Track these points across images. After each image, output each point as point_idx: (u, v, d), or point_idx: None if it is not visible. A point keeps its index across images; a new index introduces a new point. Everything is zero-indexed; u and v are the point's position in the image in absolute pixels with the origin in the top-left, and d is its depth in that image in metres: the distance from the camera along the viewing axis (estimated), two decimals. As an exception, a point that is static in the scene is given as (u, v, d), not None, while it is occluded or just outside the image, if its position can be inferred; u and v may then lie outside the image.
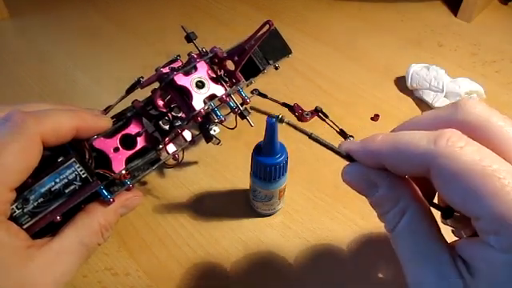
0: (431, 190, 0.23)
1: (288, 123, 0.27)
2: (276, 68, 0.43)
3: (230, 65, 0.39)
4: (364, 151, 0.23)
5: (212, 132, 0.38)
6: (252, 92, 0.49)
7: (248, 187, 0.44)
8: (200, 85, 0.35)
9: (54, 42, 0.67)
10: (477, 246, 0.20)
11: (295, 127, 0.26)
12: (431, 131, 0.20)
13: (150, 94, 0.37)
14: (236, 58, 0.36)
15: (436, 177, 0.20)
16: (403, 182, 0.23)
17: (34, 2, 0.76)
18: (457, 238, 0.23)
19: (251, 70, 0.41)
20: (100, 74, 0.61)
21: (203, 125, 0.39)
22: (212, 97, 0.35)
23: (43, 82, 0.60)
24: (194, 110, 0.33)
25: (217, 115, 0.37)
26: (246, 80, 0.40)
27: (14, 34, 0.70)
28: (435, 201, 0.25)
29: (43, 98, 0.57)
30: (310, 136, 0.25)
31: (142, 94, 0.37)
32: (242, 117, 0.38)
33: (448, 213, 0.24)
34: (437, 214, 0.24)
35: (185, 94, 0.34)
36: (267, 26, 0.33)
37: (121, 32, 0.70)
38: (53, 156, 0.31)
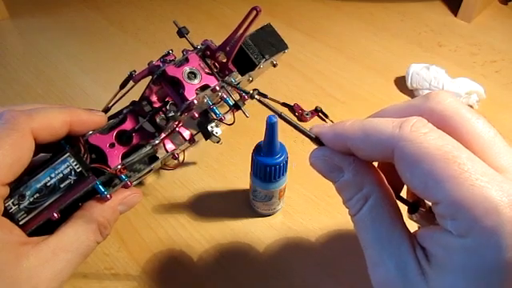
0: (399, 183, 0.24)
1: (259, 100, 0.26)
2: (274, 65, 0.43)
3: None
4: (333, 135, 0.23)
5: (210, 128, 0.38)
6: (252, 92, 0.49)
7: (248, 187, 0.44)
8: (192, 76, 0.35)
9: (54, 42, 0.67)
10: (435, 232, 0.20)
11: (266, 105, 0.26)
12: (400, 118, 0.21)
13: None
14: (228, 49, 0.36)
15: (399, 160, 0.20)
16: (369, 168, 0.23)
17: (34, 2, 0.76)
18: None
19: (248, 66, 0.41)
20: (100, 74, 0.61)
21: (202, 123, 0.39)
22: (205, 87, 0.35)
23: (43, 82, 0.60)
24: (187, 99, 0.33)
25: (215, 113, 0.37)
26: (242, 75, 0.40)
27: (14, 34, 0.70)
28: (404, 196, 0.25)
29: (43, 98, 0.57)
30: (280, 116, 0.25)
31: (138, 92, 0.37)
32: (237, 107, 0.38)
33: (414, 207, 0.24)
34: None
35: (177, 86, 0.35)
36: (254, 12, 0.33)
37: (121, 32, 0.70)
38: (51, 158, 0.31)
